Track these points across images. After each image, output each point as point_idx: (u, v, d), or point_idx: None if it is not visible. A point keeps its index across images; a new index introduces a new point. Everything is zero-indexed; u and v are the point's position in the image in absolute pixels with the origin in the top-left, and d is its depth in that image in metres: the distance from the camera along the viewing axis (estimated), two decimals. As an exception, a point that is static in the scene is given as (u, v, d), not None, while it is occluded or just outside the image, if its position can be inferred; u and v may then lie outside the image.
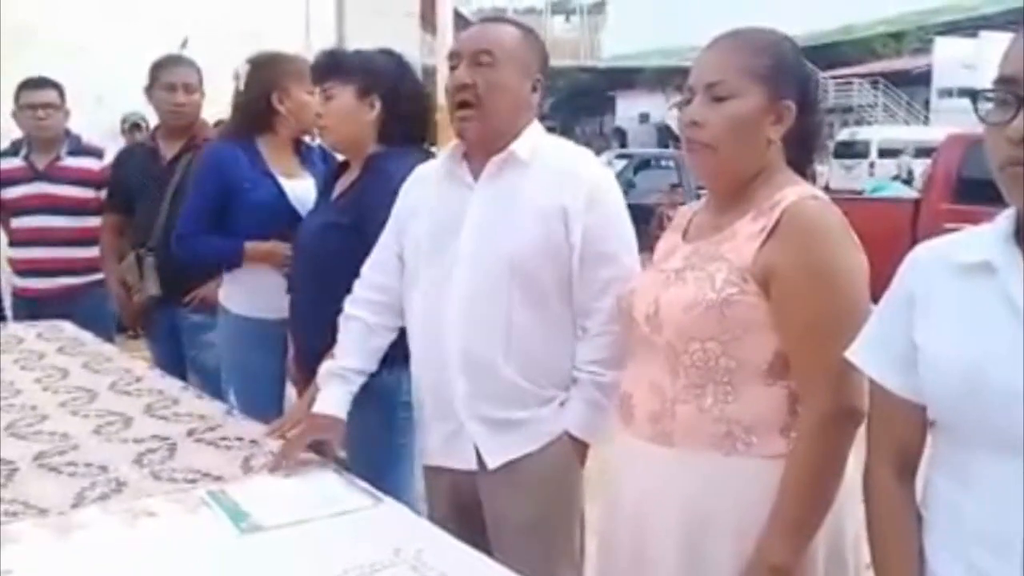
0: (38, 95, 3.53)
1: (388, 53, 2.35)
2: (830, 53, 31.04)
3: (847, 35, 35.32)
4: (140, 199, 3.25)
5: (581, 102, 43.32)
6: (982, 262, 1.12)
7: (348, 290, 2.00)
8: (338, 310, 1.99)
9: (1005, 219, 1.13)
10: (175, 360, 3.10)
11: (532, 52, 1.83)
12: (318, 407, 1.88)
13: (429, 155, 2.24)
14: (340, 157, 2.45)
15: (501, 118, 1.78)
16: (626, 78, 39.97)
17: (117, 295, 3.37)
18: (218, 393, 2.69)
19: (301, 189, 2.73)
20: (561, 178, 1.76)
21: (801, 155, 1.54)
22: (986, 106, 1.08)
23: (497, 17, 2.21)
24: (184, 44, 4.65)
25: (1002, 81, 1.06)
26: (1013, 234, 1.12)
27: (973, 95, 1.09)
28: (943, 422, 1.17)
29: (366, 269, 1.98)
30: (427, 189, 1.90)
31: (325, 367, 1.93)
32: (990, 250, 1.12)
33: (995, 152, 1.07)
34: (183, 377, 2.84)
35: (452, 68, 1.82)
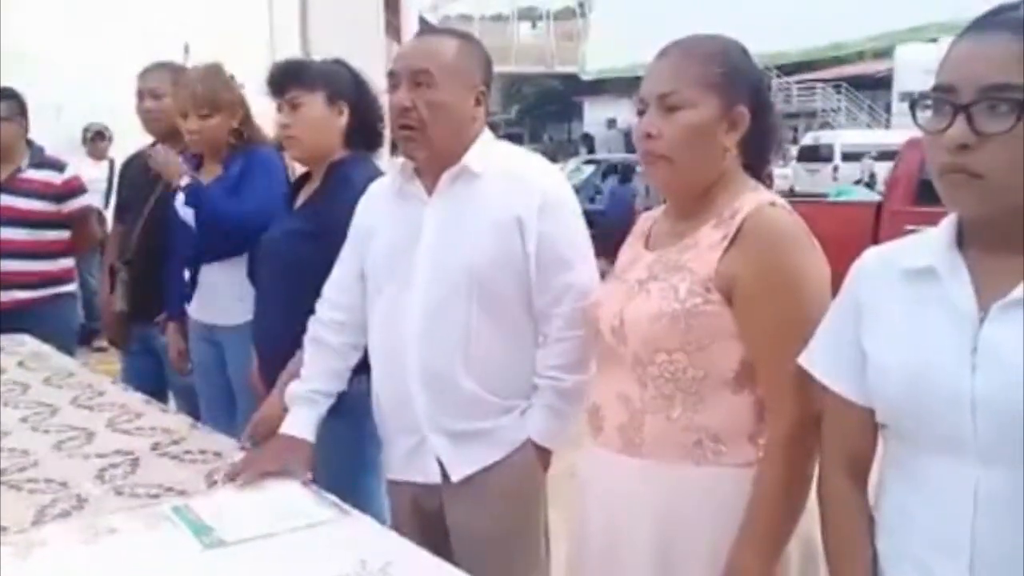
0: None
1: (340, 63, 2.34)
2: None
3: (836, 52, 35.41)
4: (130, 209, 3.17)
5: (548, 108, 43.48)
6: (926, 268, 1.14)
7: (314, 298, 1.98)
8: (304, 319, 1.97)
9: (947, 225, 1.16)
10: (149, 377, 2.99)
11: (473, 64, 1.79)
12: (285, 428, 1.86)
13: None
14: (300, 168, 2.43)
15: (446, 138, 1.76)
16: (594, 84, 40.13)
17: (102, 305, 3.32)
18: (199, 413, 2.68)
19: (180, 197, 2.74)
20: (514, 187, 1.76)
21: (757, 158, 1.54)
22: (925, 114, 1.10)
23: (434, 29, 2.19)
24: (187, 50, 4.51)
25: (938, 89, 1.08)
26: (955, 239, 1.14)
27: (912, 103, 1.11)
28: (892, 427, 1.19)
29: (327, 288, 1.97)
30: (382, 206, 1.89)
31: (292, 389, 1.91)
32: (934, 256, 1.14)
33: (933, 159, 1.09)
34: (158, 395, 2.79)
35: (392, 88, 1.77)
